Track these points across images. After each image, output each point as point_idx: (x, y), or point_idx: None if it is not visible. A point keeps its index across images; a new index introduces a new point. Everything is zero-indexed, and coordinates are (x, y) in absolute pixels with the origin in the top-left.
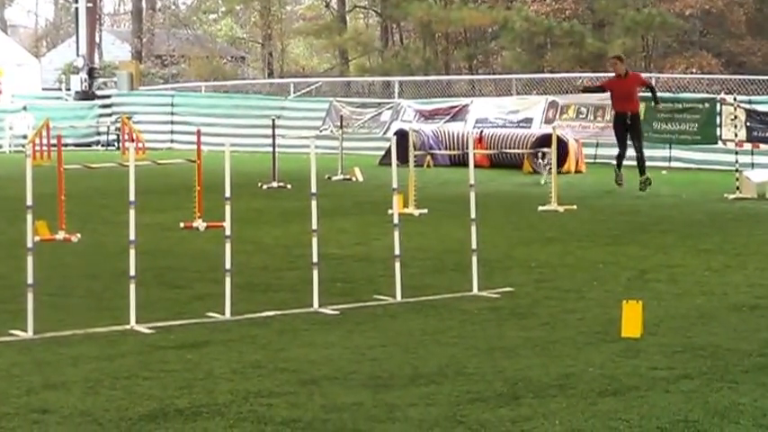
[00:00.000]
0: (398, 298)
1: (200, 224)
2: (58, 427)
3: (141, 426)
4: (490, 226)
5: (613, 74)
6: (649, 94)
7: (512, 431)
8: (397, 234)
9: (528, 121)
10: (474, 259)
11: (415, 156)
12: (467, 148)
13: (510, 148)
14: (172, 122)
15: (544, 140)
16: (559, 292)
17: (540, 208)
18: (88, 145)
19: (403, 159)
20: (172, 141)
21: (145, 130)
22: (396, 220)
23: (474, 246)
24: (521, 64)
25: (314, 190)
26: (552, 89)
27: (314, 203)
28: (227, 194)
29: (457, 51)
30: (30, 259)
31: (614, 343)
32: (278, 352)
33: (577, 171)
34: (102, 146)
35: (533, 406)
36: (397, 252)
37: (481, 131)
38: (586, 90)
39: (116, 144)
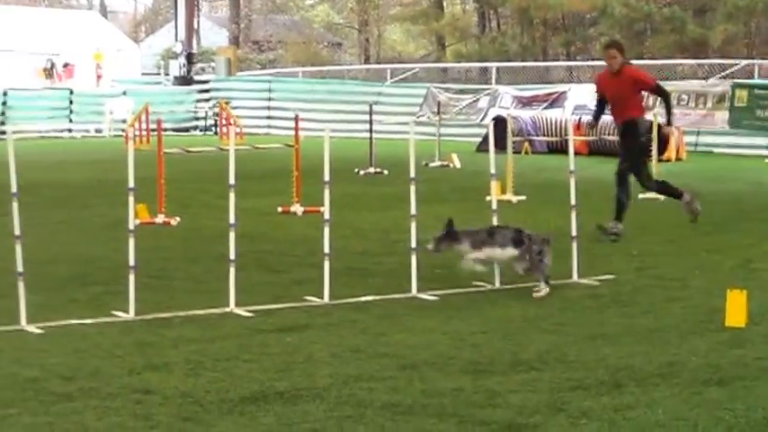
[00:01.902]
0: (497, 284)
1: (297, 209)
2: (161, 408)
3: (242, 408)
4: (589, 213)
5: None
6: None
7: (614, 419)
8: (495, 220)
9: None
10: (574, 246)
11: (513, 142)
12: (565, 135)
13: (609, 135)
14: (269, 108)
15: None
16: (661, 281)
17: (641, 195)
18: (186, 130)
19: (501, 146)
20: (269, 127)
21: (242, 116)
22: (494, 206)
23: (574, 232)
24: None
25: (413, 175)
26: (653, 76)
27: (412, 189)
28: (327, 179)
29: (555, 37)
30: (131, 242)
31: (718, 332)
32: (377, 336)
33: (678, 159)
34: (201, 131)
35: (636, 394)
36: None
37: (579, 118)
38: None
39: (214, 129)
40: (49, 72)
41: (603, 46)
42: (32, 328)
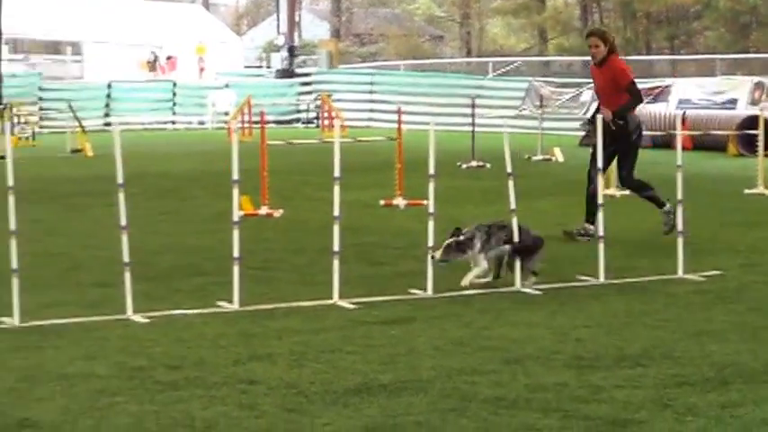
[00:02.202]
0: (601, 279)
1: (400, 202)
2: (265, 398)
3: (346, 399)
4: (695, 208)
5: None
6: None
7: (721, 416)
8: (600, 215)
9: (733, 102)
10: (680, 241)
11: None
12: (670, 129)
13: (714, 130)
14: (371, 101)
15: (750, 122)
16: None
17: (747, 191)
18: (288, 122)
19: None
20: (370, 119)
21: (344, 108)
22: (600, 201)
23: (680, 227)
24: (724, 44)
25: (509, 170)
26: (758, 70)
27: (510, 183)
28: (431, 172)
29: (658, 31)
30: (235, 233)
31: None
32: (480, 330)
33: None
34: (302, 123)
35: (743, 392)
36: (600, 233)
37: (684, 112)
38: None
39: (315, 121)
40: (152, 65)
41: (585, 34)
42: (138, 318)
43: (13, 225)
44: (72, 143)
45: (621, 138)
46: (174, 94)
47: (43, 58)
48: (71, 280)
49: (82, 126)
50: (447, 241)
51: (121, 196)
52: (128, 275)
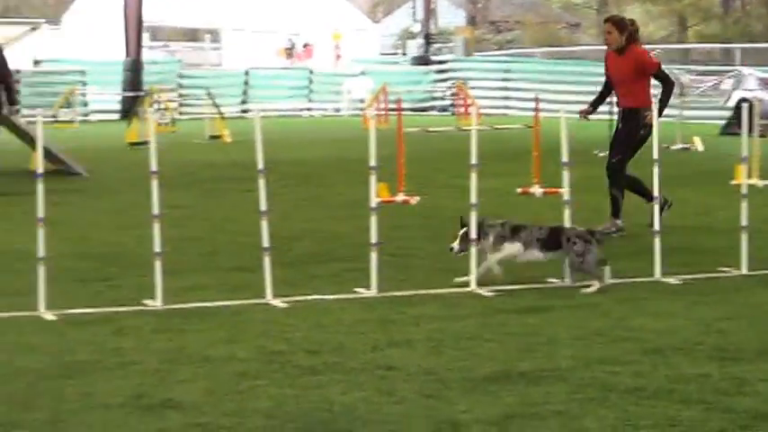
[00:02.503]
0: (744, 270)
1: (536, 190)
2: (404, 384)
3: (485, 386)
4: None
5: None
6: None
7: None
8: (744, 205)
9: None
10: None
11: (760, 126)
12: None
13: None
14: (506, 88)
15: None
16: None
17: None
18: (423, 110)
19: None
20: (506, 107)
21: (479, 96)
22: (744, 191)
23: None
24: None
25: (656, 156)
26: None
27: (655, 171)
28: (565, 160)
29: None
30: (373, 219)
31: None
32: (620, 320)
33: None
34: (438, 111)
35: None
36: (743, 223)
37: None
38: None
39: (450, 109)
40: (289, 52)
41: (605, 21)
42: (278, 303)
43: (155, 210)
44: (210, 129)
45: (630, 126)
46: (311, 82)
47: (182, 46)
48: (211, 264)
49: (220, 113)
50: (461, 231)
51: (261, 182)
52: (267, 260)
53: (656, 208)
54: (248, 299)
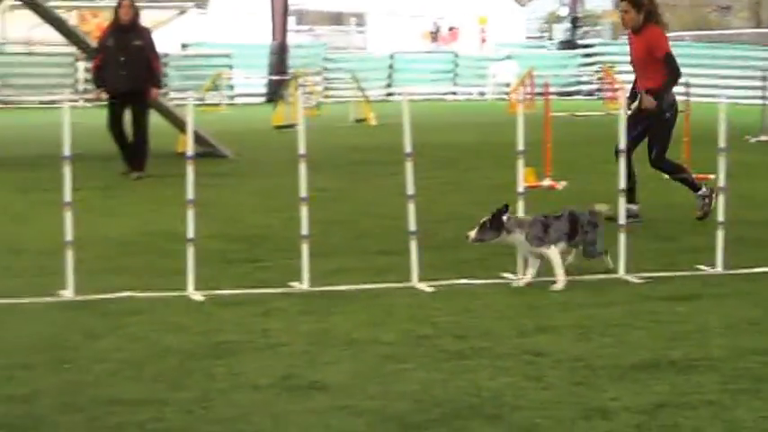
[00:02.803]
0: None
1: None
2: (552, 371)
3: (634, 374)
4: None
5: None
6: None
7: None
8: None
9: None
10: None
11: None
12: None
13: None
14: None
15: None
16: None
17: None
18: (569, 94)
19: None
20: None
21: (626, 81)
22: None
23: None
24: None
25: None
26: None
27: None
28: (722, 145)
29: None
30: (520, 204)
31: None
32: None
33: None
34: (584, 95)
35: None
36: None
37: None
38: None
39: (597, 94)
40: (434, 35)
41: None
42: (424, 287)
43: (303, 192)
44: (356, 113)
45: (654, 115)
46: (456, 65)
47: (327, 30)
48: (357, 247)
49: (365, 96)
50: (482, 219)
51: (409, 165)
52: (413, 244)
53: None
54: (394, 282)
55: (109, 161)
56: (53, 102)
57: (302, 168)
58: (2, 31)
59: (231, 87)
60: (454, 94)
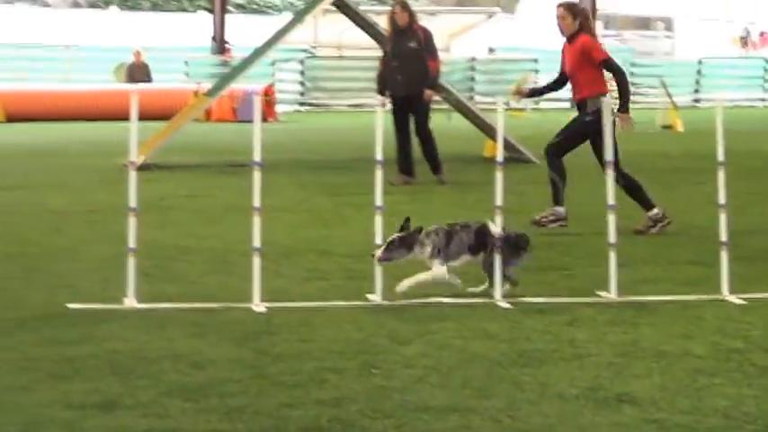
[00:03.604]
0: None
1: None
2: None
3: None
4: None
5: None
6: None
7: None
8: None
9: None
10: None
11: None
12: None
13: None
14: None
15: None
16: None
17: None
18: None
19: None
20: None
21: None
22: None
23: None
24: None
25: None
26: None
27: (609, 176)
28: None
29: None
30: None
31: None
32: None
33: None
34: None
35: None
36: None
37: None
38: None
39: None
40: (743, 40)
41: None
42: (734, 299)
43: (610, 200)
44: (662, 119)
45: (578, 116)
46: (766, 71)
47: (635, 34)
48: (665, 256)
49: (673, 102)
50: (390, 237)
51: (721, 174)
52: (724, 255)
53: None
54: (703, 294)
55: (418, 165)
56: (361, 105)
57: (609, 174)
58: (314, 35)
59: None
60: (764, 100)
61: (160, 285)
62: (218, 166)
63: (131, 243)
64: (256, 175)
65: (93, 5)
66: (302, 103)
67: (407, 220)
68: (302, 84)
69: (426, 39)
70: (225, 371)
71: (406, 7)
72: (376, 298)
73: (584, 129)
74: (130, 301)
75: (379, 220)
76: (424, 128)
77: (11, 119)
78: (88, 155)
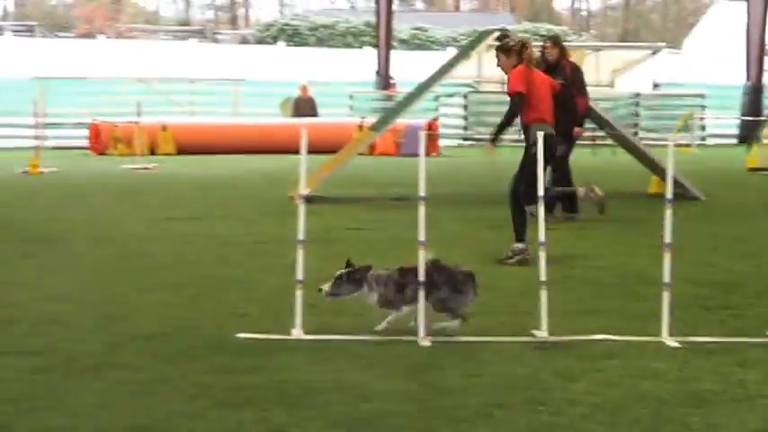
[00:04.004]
0: None
1: None
2: None
3: None
4: None
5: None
6: None
7: None
8: None
9: None
10: None
11: None
12: None
13: None
14: None
15: None
16: None
17: None
18: None
19: None
20: None
21: None
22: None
23: None
24: None
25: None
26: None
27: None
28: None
29: None
30: None
31: None
32: None
33: None
34: None
35: None
36: None
37: None
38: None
39: None
40: None
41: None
42: None
43: None
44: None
45: (526, 149)
46: None
47: None
48: None
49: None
50: (338, 272)
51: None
52: None
53: None
54: None
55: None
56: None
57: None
58: (477, 70)
59: (703, 128)
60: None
61: (326, 317)
62: (383, 199)
63: (299, 275)
64: (421, 210)
65: (260, 41)
66: (465, 138)
67: (348, 262)
68: (465, 118)
69: (574, 75)
70: (392, 403)
71: (556, 42)
72: (542, 334)
73: (532, 160)
74: (298, 332)
75: (542, 256)
76: (562, 162)
77: (181, 151)
78: (256, 187)
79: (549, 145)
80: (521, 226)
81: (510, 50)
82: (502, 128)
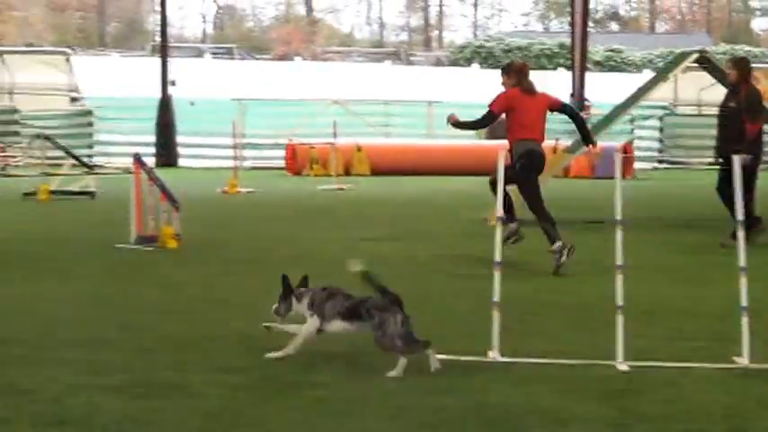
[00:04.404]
0: None
1: None
2: None
3: None
4: None
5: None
6: None
7: None
8: None
9: None
10: None
11: None
12: None
13: None
14: None
15: None
16: None
17: None
18: None
19: None
20: None
21: None
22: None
23: None
24: None
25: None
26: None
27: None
28: None
29: None
30: None
31: None
32: None
33: None
34: None
35: None
36: None
37: None
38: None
39: None
40: None
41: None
42: None
43: None
44: None
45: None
46: None
47: None
48: None
49: None
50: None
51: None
52: None
53: None
54: None
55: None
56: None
57: None
58: (674, 92)
59: None
60: None
61: (521, 339)
62: (578, 222)
63: (496, 297)
64: (618, 233)
65: (454, 63)
66: (660, 161)
67: (305, 278)
68: (661, 141)
69: (748, 98)
70: (590, 428)
71: (735, 64)
72: (744, 361)
73: (520, 173)
74: (494, 355)
75: (743, 282)
76: (726, 188)
77: (375, 172)
78: (449, 207)
79: (531, 160)
80: (549, 230)
81: (510, 72)
82: (465, 126)
